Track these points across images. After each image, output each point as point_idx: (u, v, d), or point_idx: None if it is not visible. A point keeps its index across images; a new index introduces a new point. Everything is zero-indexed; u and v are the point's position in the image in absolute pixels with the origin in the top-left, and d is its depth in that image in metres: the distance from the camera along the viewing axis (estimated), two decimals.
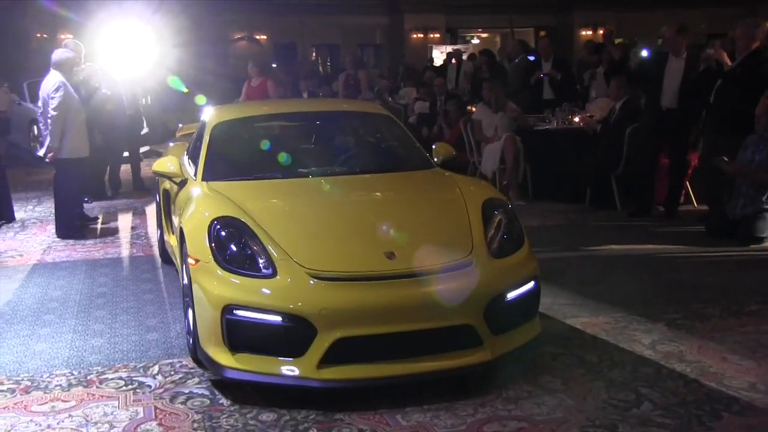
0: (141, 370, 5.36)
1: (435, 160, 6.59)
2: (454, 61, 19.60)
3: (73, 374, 5.35)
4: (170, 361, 5.50)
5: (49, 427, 4.60)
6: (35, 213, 11.46)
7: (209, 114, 7.11)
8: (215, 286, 4.78)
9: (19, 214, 11.32)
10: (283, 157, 6.43)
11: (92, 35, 18.28)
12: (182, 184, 6.38)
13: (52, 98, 9.21)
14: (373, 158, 6.88)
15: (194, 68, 22.99)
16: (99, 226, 10.46)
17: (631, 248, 8.42)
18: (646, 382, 4.93)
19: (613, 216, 10.08)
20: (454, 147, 12.22)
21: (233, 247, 4.95)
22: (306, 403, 4.66)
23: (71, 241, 9.48)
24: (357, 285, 4.68)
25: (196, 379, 5.15)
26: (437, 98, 14.02)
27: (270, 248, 4.86)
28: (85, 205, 11.61)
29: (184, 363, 5.42)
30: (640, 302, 6.51)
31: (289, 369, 4.62)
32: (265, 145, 6.67)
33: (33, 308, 6.87)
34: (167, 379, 5.20)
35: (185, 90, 14.39)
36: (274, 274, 4.74)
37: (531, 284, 5.11)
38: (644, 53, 16.22)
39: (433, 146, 6.78)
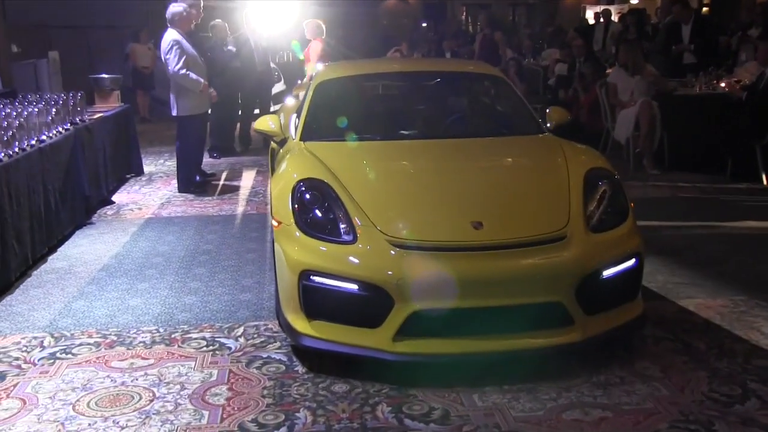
0: (225, 331, 5.28)
1: (548, 125, 6.21)
2: (602, 20, 18.83)
3: (159, 331, 5.33)
4: (256, 323, 5.40)
5: (123, 384, 4.57)
6: (164, 167, 11.69)
7: (317, 71, 6.97)
8: (294, 250, 4.63)
9: (149, 168, 11.60)
10: (384, 118, 6.23)
11: None
12: (282, 143, 6.26)
13: (167, 58, 9.26)
14: (478, 122, 6.60)
15: (341, 27, 23.07)
16: (221, 182, 10.54)
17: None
18: (758, 376, 4.48)
19: (756, 191, 9.42)
20: (589, 112, 11.97)
21: (317, 211, 4.78)
22: (382, 376, 4.46)
23: (190, 196, 9.59)
24: (438, 255, 4.42)
25: (277, 344, 5.03)
26: (576, 60, 13.47)
27: (353, 214, 4.66)
28: (212, 160, 11.80)
29: (269, 326, 5.31)
30: (767, 286, 6.00)
31: (364, 339, 4.43)
32: (367, 105, 6.47)
33: (138, 262, 6.93)
34: (249, 342, 5.10)
35: (300, 57, 14.32)
36: (354, 241, 4.54)
37: (632, 261, 4.72)
38: None
39: (547, 110, 6.40)
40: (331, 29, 21.17)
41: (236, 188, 10.20)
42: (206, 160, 11.94)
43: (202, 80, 9.38)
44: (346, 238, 4.57)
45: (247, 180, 10.74)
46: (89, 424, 4.13)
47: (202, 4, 10.04)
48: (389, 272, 4.35)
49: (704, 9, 25.34)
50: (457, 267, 4.36)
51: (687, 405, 4.15)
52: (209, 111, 10.51)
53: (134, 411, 4.25)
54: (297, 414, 4.14)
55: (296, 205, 4.80)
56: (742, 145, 9.72)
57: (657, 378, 4.47)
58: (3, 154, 6.53)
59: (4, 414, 4.27)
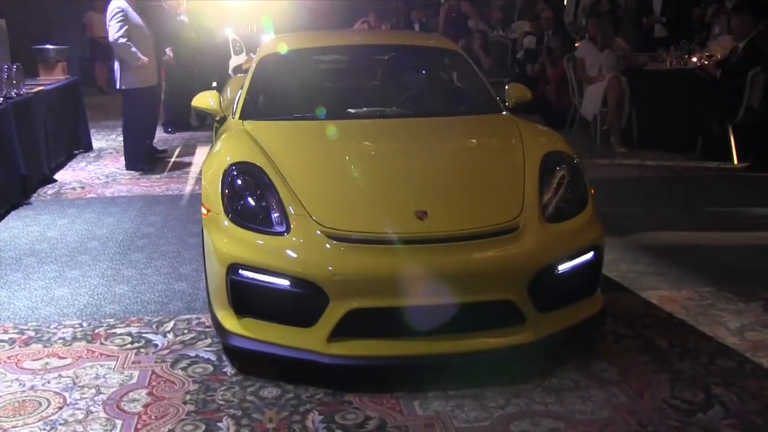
0: (154, 326, 4.88)
1: (506, 103, 5.80)
2: None
3: (81, 326, 4.92)
4: (188, 317, 5.01)
5: (32, 388, 4.16)
6: (115, 143, 11.17)
7: (262, 44, 6.53)
8: (223, 241, 4.21)
9: (99, 143, 11.17)
10: (331, 96, 5.80)
11: None
12: (222, 121, 5.83)
13: (109, 26, 8.81)
14: (432, 100, 6.15)
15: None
16: (172, 159, 10.11)
17: (740, 210, 7.47)
18: (722, 379, 4.12)
19: (726, 170, 9.07)
20: (556, 87, 11.59)
21: (249, 199, 4.35)
22: (317, 380, 4.07)
23: (137, 174, 9.16)
24: (378, 249, 4.00)
25: (208, 341, 4.63)
26: (545, 33, 13.05)
27: (287, 202, 4.23)
28: (166, 135, 11.35)
29: (202, 320, 4.92)
30: (735, 276, 5.63)
31: (297, 340, 4.03)
32: (314, 81, 6.03)
33: (71, 247, 6.50)
34: (177, 338, 4.70)
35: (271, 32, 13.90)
36: (286, 232, 4.11)
37: (590, 254, 4.32)
38: None
39: (506, 87, 5.99)
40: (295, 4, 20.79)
41: (187, 165, 9.77)
42: (160, 135, 11.51)
43: (140, 55, 8.90)
44: (278, 228, 4.15)
45: (200, 156, 10.25)
46: None
47: None
48: (323, 267, 3.95)
49: None
50: (398, 261, 3.96)
51: (646, 413, 3.78)
52: (161, 84, 10.04)
53: (39, 420, 3.83)
54: (219, 423, 3.74)
55: (226, 191, 4.38)
56: (714, 123, 9.36)
57: (615, 382, 4.10)
58: None
59: None
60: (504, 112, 5.62)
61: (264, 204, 4.28)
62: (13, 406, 3.97)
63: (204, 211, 4.49)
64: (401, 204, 4.23)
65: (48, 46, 10.87)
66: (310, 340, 3.99)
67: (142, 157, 9.45)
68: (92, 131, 11.60)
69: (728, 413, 3.79)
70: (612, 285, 5.33)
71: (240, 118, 5.42)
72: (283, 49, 6.10)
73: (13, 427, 3.78)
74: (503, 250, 4.05)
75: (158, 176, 9.09)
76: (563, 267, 4.19)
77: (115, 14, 8.84)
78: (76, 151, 10.44)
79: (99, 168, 9.61)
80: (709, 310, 5.03)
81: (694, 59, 10.19)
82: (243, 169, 4.48)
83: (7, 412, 3.91)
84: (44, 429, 3.75)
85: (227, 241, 4.18)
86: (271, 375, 4.17)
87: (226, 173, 4.47)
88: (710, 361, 4.33)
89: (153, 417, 3.82)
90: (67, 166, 9.68)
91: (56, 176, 9.07)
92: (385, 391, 3.99)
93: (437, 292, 3.95)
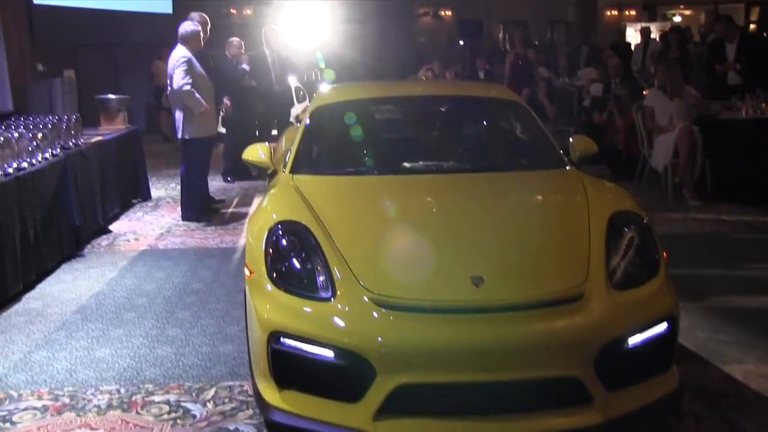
0: (194, 393, 4.58)
1: (570, 157, 5.44)
2: (640, 39, 17.92)
3: (119, 392, 4.64)
4: (230, 383, 4.70)
5: None
6: (174, 192, 10.94)
7: (318, 94, 6.29)
8: (264, 306, 3.89)
9: (158, 192, 11.01)
10: (385, 149, 5.50)
11: (275, 10, 18.04)
12: (273, 175, 5.56)
13: (173, 74, 8.69)
14: (491, 154, 5.79)
15: (374, 45, 22.52)
16: (229, 209, 9.86)
17: None
18: None
19: None
20: (625, 136, 11.16)
21: (294, 260, 4.03)
22: None
23: (193, 225, 8.93)
24: (430, 318, 3.63)
25: (249, 412, 4.31)
26: (612, 80, 12.64)
27: (334, 265, 3.90)
28: (225, 184, 11.20)
29: (244, 388, 4.60)
30: None
31: (342, 417, 3.67)
32: (368, 133, 5.71)
33: (118, 303, 6.26)
34: (217, 408, 4.39)
35: (323, 65, 13.75)
36: (332, 298, 3.78)
37: (663, 326, 3.89)
38: None
39: (570, 139, 5.62)
40: (364, 47, 20.78)
41: (243, 216, 9.45)
42: (219, 184, 11.35)
43: (203, 103, 8.73)
44: (323, 294, 3.82)
45: None
46: None
47: (209, 26, 9.44)
48: (370, 337, 3.59)
49: (751, 26, 24.34)
50: (451, 332, 3.59)
51: None
52: (219, 133, 9.92)
53: None
54: None
55: (270, 251, 4.09)
56: None
57: None
58: None
59: None
60: (568, 167, 5.24)
61: (309, 266, 3.97)
62: None
63: (247, 272, 4.20)
64: (456, 268, 3.87)
65: (110, 96, 10.80)
66: (355, 418, 3.63)
67: (199, 208, 9.23)
68: (152, 180, 11.50)
69: None
70: (689, 355, 4.89)
71: (290, 172, 5.14)
72: (336, 99, 5.85)
73: None
74: (567, 321, 3.65)
75: (213, 228, 8.86)
76: (633, 340, 3.77)
77: (180, 63, 8.71)
78: (134, 201, 10.28)
79: (155, 218, 9.42)
80: None
81: None
82: (289, 228, 4.19)
83: None
84: None
85: (269, 306, 3.87)
86: None
87: (271, 232, 4.18)
88: None
89: None
90: (123, 216, 9.51)
91: (112, 226, 8.89)
92: None
93: (494, 366, 3.57)
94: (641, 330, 3.80)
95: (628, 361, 3.79)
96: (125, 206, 9.87)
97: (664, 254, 4.18)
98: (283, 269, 4.02)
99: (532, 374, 3.60)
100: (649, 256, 4.12)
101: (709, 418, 4.20)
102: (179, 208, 9.51)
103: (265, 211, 4.56)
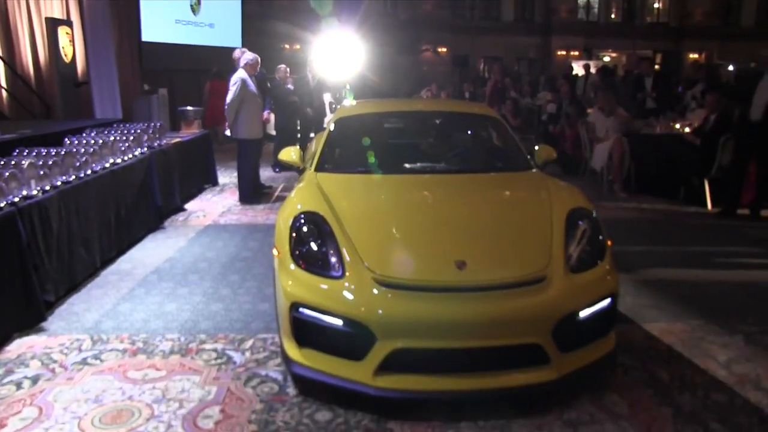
0: (236, 343, 4.20)
1: (535, 161, 4.98)
2: (583, 72, 17.37)
3: (180, 340, 4.27)
4: (265, 336, 4.31)
5: (130, 398, 3.52)
6: (236, 179, 10.50)
7: (340, 108, 5.83)
8: (287, 282, 3.50)
9: (224, 180, 10.56)
10: (391, 153, 5.06)
11: (311, 44, 17.53)
12: (302, 172, 5.13)
13: (231, 90, 8.25)
14: (474, 158, 5.31)
15: (389, 72, 22.02)
16: (276, 193, 9.42)
17: (716, 249, 6.48)
18: (717, 415, 3.30)
19: (703, 215, 8.06)
20: (572, 144, 10.67)
21: (312, 244, 3.63)
22: (365, 405, 3.33)
23: (246, 206, 8.51)
24: (421, 295, 3.24)
25: (277, 360, 3.93)
26: (563, 101, 12.14)
27: (344, 249, 3.51)
28: (274, 174, 10.76)
29: (275, 340, 4.21)
30: (719, 311, 4.75)
31: (348, 372, 3.30)
32: (378, 140, 5.28)
33: (186, 266, 5.87)
34: (253, 356, 4.01)
35: (347, 87, 13.30)
36: (342, 277, 3.39)
37: (607, 301, 3.51)
38: (730, 68, 13.70)
39: (536, 147, 5.17)
40: (382, 73, 20.34)
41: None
42: (270, 174, 10.92)
43: (231, 116, 8.39)
44: (334, 273, 3.43)
45: None
46: None
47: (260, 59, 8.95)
48: (372, 310, 3.21)
49: (656, 66, 24.22)
50: (439, 308, 3.20)
51: None
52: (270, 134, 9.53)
53: (129, 431, 3.17)
54: None
55: (293, 237, 3.68)
56: (693, 177, 8.42)
57: (624, 415, 3.30)
58: (74, 177, 5.51)
59: (20, 424, 3.28)
60: (534, 170, 4.80)
61: (324, 250, 3.57)
62: (112, 415, 3.36)
63: (275, 252, 3.79)
64: (443, 254, 3.47)
65: (188, 108, 10.36)
66: (358, 373, 3.27)
67: (251, 193, 8.81)
68: (221, 170, 11.08)
69: None
70: (620, 317, 4.45)
71: (315, 170, 4.72)
72: (355, 112, 5.39)
73: None
74: (532, 299, 3.26)
75: (262, 207, 8.44)
76: (584, 313, 3.39)
77: (237, 83, 8.30)
78: (206, 186, 9.86)
79: (220, 200, 9.00)
80: (700, 343, 4.18)
81: (677, 126, 9.39)
82: (309, 218, 3.78)
83: (107, 420, 3.30)
84: None
85: (291, 282, 3.48)
86: (325, 398, 3.46)
87: (295, 220, 3.78)
88: (706, 395, 3.52)
89: None
90: (197, 198, 9.10)
91: (187, 206, 8.49)
92: (424, 419, 3.26)
93: (473, 335, 3.20)
94: (590, 305, 3.42)
95: (579, 329, 3.41)
96: (199, 190, 9.46)
97: (609, 242, 3.75)
98: (304, 251, 3.62)
99: (503, 341, 3.23)
100: (597, 245, 3.72)
101: (635, 368, 3.83)
102: (237, 193, 9.07)
103: (292, 202, 4.14)
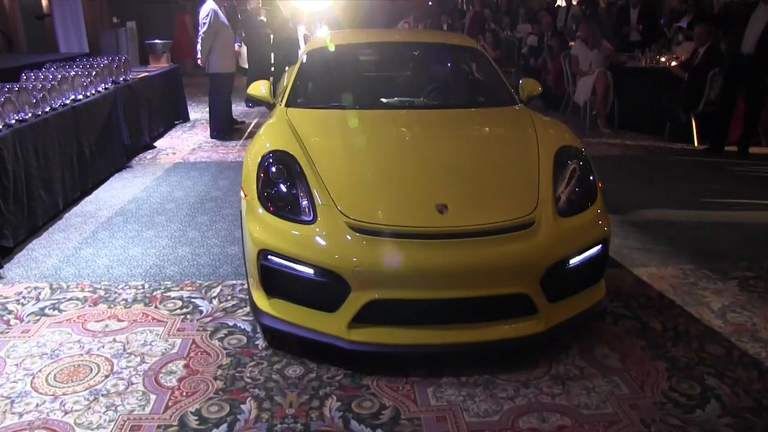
0: (203, 291, 3.93)
1: (519, 96, 4.66)
2: (565, 3, 16.81)
3: (143, 287, 3.99)
4: (233, 282, 4.04)
5: (89, 352, 3.26)
6: (206, 114, 10.06)
7: (310, 40, 5.42)
8: (255, 228, 3.19)
9: (195, 115, 10.14)
10: (366, 87, 4.70)
11: None
12: (272, 107, 4.77)
13: (203, 23, 7.79)
14: (455, 92, 4.94)
15: (365, 2, 21.22)
16: (250, 129, 9.02)
17: (705, 187, 6.22)
18: (714, 368, 3.08)
19: (689, 151, 7.78)
20: (554, 78, 10.31)
21: (281, 186, 3.30)
22: (338, 358, 3.09)
23: (218, 142, 8.14)
24: (398, 242, 2.94)
25: (246, 309, 3.67)
26: (545, 34, 11.70)
27: (315, 191, 3.19)
28: (247, 109, 10.33)
29: (244, 286, 3.94)
30: (710, 254, 4.52)
31: (320, 324, 3.04)
32: (351, 73, 4.92)
33: (153, 207, 5.55)
34: (221, 305, 3.74)
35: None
36: (313, 221, 3.08)
37: (598, 248, 3.24)
38: None
39: (521, 81, 4.83)
40: (358, 6, 19.56)
41: None
42: (243, 108, 10.48)
43: (205, 49, 7.99)
44: (305, 218, 3.12)
45: None
46: (36, 405, 2.84)
47: None
48: (346, 258, 2.93)
49: None
50: (418, 255, 2.91)
51: (648, 409, 2.77)
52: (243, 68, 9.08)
53: (86, 389, 2.93)
54: (242, 406, 2.80)
55: (261, 179, 3.36)
56: (680, 112, 8.12)
57: (616, 369, 3.08)
58: (30, 114, 5.10)
59: None
60: (519, 105, 4.46)
61: (295, 192, 3.25)
62: (68, 371, 3.09)
63: (242, 194, 3.48)
64: (423, 197, 3.16)
65: (156, 41, 9.80)
66: (332, 325, 3.00)
67: (223, 128, 8.41)
68: (192, 105, 10.62)
69: (724, 409, 2.78)
70: (608, 261, 4.23)
71: (285, 105, 4.35)
72: (327, 43, 4.99)
73: (64, 393, 2.90)
74: (519, 246, 2.98)
75: (234, 144, 8.07)
76: (574, 261, 3.12)
77: (208, 14, 7.88)
78: (177, 122, 9.43)
79: (190, 136, 8.60)
80: (692, 289, 3.96)
81: (663, 59, 8.98)
82: (279, 157, 3.45)
83: (63, 377, 3.04)
84: (88, 399, 2.86)
85: (259, 228, 3.17)
86: (296, 351, 3.22)
87: (264, 159, 3.45)
88: (700, 347, 3.30)
89: (184, 393, 2.90)
90: (167, 135, 8.69)
91: (157, 143, 8.09)
92: (402, 374, 3.02)
93: (454, 285, 2.92)
94: (581, 252, 3.15)
95: (568, 278, 3.16)
96: (169, 126, 9.04)
97: (599, 184, 3.47)
98: (273, 193, 3.30)
99: (487, 292, 2.95)
100: (588, 186, 3.42)
101: (625, 317, 3.60)
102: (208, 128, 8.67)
103: (261, 139, 3.80)
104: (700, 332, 3.42)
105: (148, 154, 7.52)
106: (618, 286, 3.94)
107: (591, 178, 3.45)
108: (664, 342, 3.31)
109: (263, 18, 10.51)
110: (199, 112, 10.38)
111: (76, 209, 5.55)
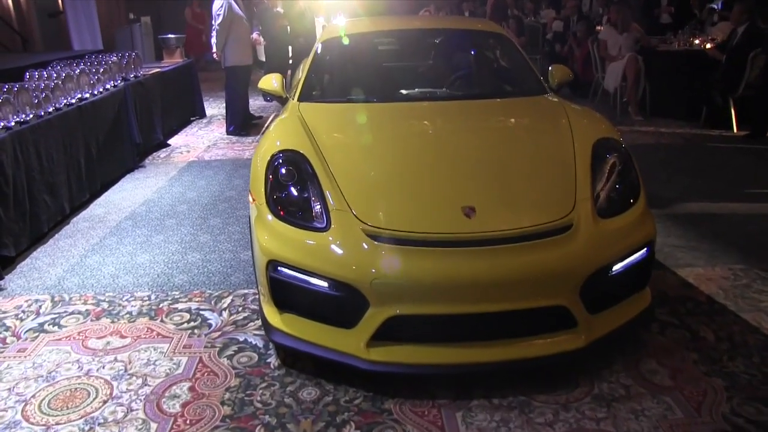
0: (212, 302, 3.65)
1: (550, 83, 4.31)
2: None
3: (149, 298, 3.73)
4: (245, 291, 3.76)
5: (87, 373, 3.00)
6: (224, 110, 9.83)
7: (324, 29, 5.11)
8: (263, 235, 2.90)
9: (211, 111, 9.89)
10: (385, 78, 4.38)
11: None
12: (285, 102, 4.47)
13: (218, 15, 7.53)
14: (481, 81, 4.59)
15: None
16: (267, 123, 8.73)
17: (749, 177, 5.82)
18: None
19: (728, 138, 7.36)
20: (582, 64, 9.91)
21: (292, 189, 3.00)
22: (358, 379, 2.80)
23: (234, 139, 7.88)
24: (420, 251, 2.63)
25: (258, 323, 3.39)
26: (570, 19, 11.29)
27: (329, 194, 2.88)
28: (265, 103, 10.07)
29: (257, 296, 3.65)
30: (763, 249, 4.15)
31: (337, 341, 2.74)
32: (370, 63, 4.59)
33: (164, 210, 5.30)
34: (231, 317, 3.46)
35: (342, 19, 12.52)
36: (326, 228, 2.77)
37: (643, 251, 2.91)
38: None
39: (550, 68, 4.48)
40: None
41: None
42: (261, 102, 10.22)
43: (220, 43, 7.73)
44: (317, 224, 2.81)
45: None
46: None
47: None
48: (363, 270, 2.62)
49: None
50: (442, 265, 2.59)
51: None
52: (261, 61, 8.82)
53: (81, 418, 2.67)
54: None
55: (269, 181, 3.06)
56: (717, 96, 7.68)
57: (667, 388, 2.74)
58: (32, 115, 4.87)
59: None
60: (549, 94, 4.11)
61: (306, 195, 2.95)
62: (64, 396, 2.83)
63: (251, 198, 3.19)
64: (447, 199, 2.84)
65: (170, 36, 9.57)
66: (349, 343, 2.70)
67: (240, 124, 8.15)
68: (209, 100, 10.39)
69: None
70: None
71: (298, 100, 4.05)
72: (342, 33, 4.67)
73: (57, 423, 2.64)
74: (556, 253, 2.64)
75: (251, 140, 7.81)
76: (617, 267, 2.79)
77: (222, 6, 7.61)
78: (193, 118, 9.19)
79: (206, 133, 8.36)
80: (746, 292, 3.60)
81: (697, 41, 8.56)
82: (289, 157, 3.14)
83: (57, 403, 2.78)
84: (83, 429, 2.59)
85: (268, 237, 2.88)
86: (312, 371, 2.92)
87: (273, 159, 3.15)
88: (763, 361, 2.94)
89: (188, 421, 2.62)
90: (182, 132, 8.45)
91: (171, 140, 7.85)
92: (427, 396, 2.71)
93: (484, 298, 2.60)
94: (625, 257, 2.81)
95: (611, 286, 2.83)
96: (184, 123, 8.80)
97: (641, 179, 3.12)
98: (282, 196, 3.00)
99: (520, 305, 2.63)
100: (630, 182, 3.08)
101: (672, 325, 3.26)
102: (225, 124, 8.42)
103: (270, 137, 3.50)
104: (760, 343, 3.07)
105: (162, 153, 7.28)
106: (662, 290, 3.59)
107: (633, 173, 3.11)
108: (719, 355, 2.97)
109: (280, 9, 10.23)
110: (216, 107, 10.13)
111: (84, 213, 5.32)
